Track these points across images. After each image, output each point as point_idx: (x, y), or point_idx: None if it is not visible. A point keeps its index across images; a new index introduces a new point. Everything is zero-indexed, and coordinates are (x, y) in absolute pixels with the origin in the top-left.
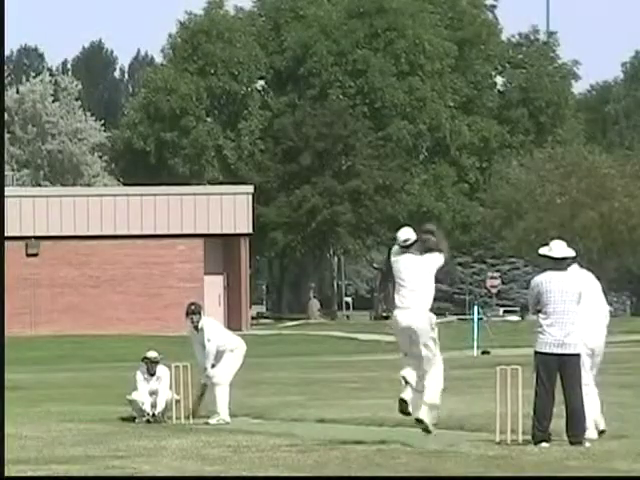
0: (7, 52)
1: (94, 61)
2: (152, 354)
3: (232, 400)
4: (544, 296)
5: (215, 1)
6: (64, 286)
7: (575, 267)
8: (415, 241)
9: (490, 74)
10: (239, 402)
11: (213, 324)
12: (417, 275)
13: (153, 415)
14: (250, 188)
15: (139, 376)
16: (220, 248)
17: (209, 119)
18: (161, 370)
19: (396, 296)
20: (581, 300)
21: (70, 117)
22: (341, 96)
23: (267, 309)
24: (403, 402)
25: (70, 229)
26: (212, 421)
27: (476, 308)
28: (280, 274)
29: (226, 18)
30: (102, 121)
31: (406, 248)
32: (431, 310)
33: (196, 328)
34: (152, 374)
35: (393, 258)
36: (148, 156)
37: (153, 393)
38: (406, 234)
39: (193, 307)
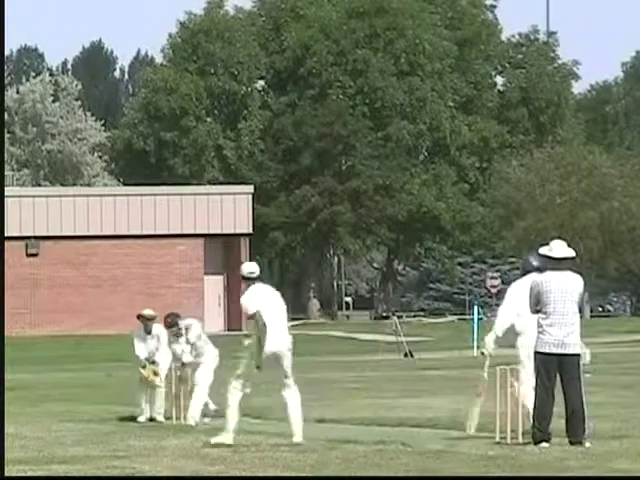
0: (7, 52)
1: (94, 61)
2: (148, 312)
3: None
4: (544, 296)
5: (215, 1)
6: (64, 286)
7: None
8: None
9: (490, 74)
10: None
11: (195, 332)
12: (277, 304)
13: (155, 373)
14: (250, 188)
15: (136, 340)
16: (220, 248)
17: (209, 119)
18: (157, 328)
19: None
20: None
21: (70, 117)
22: (341, 96)
23: None
24: None
25: (70, 229)
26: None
27: (476, 308)
28: (280, 274)
29: (226, 18)
30: (102, 121)
31: (252, 280)
32: (428, 310)
33: (177, 335)
34: (149, 332)
35: (248, 298)
36: (148, 156)
37: (152, 354)
38: (251, 267)
39: (169, 320)
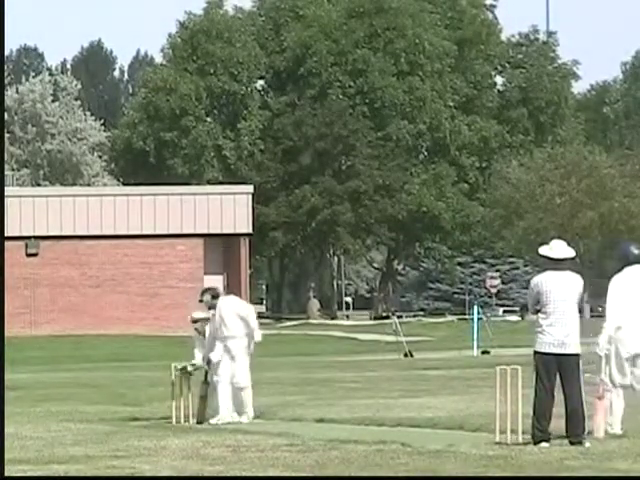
0: (7, 52)
1: (94, 61)
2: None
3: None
4: (544, 296)
5: (215, 1)
6: (64, 286)
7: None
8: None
9: (490, 74)
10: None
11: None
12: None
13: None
14: (250, 188)
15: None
16: (220, 248)
17: (209, 119)
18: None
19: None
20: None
21: (70, 117)
22: (341, 96)
23: (267, 309)
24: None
25: (70, 229)
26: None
27: (476, 308)
28: (280, 274)
29: (226, 18)
30: (102, 121)
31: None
32: (428, 310)
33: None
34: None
35: None
36: (148, 156)
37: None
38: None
39: (209, 290)
